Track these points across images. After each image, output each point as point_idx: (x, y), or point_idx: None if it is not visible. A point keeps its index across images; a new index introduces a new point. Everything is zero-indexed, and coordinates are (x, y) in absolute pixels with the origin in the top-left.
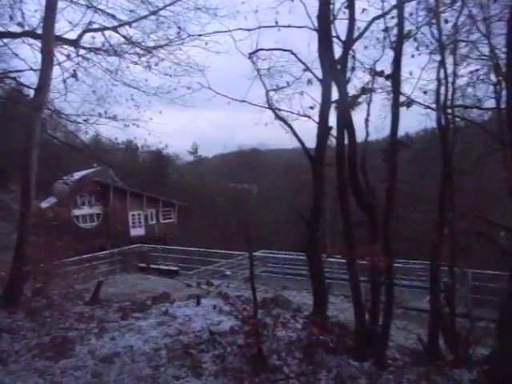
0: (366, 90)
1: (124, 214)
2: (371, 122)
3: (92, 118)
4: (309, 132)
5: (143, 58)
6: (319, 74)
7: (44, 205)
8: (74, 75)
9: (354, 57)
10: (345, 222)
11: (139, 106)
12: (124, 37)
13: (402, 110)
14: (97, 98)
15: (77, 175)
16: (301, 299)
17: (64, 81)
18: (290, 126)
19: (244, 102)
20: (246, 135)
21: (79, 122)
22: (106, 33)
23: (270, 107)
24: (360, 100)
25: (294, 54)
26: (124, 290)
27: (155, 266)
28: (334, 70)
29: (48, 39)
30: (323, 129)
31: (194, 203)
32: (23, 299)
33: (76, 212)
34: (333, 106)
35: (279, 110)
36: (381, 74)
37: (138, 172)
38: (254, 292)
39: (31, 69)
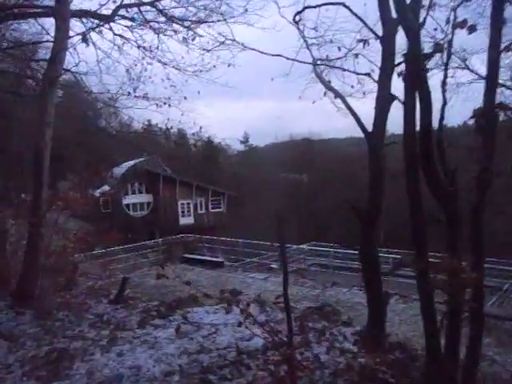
0: (441, 47)
1: (173, 203)
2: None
3: (120, 97)
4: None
5: (180, 33)
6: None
7: (97, 193)
8: (85, 39)
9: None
10: (415, 221)
11: (176, 86)
12: (161, 12)
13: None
14: (130, 77)
15: (127, 164)
16: (351, 297)
17: (98, 61)
18: (341, 96)
19: (293, 60)
20: (296, 125)
21: (109, 105)
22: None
23: (319, 76)
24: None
25: (346, 6)
26: (165, 282)
27: (200, 257)
28: (403, 11)
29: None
30: (383, 97)
31: (244, 193)
32: (37, 297)
33: (126, 201)
34: (396, 71)
35: (333, 67)
36: (462, 24)
37: (188, 161)
38: (289, 312)
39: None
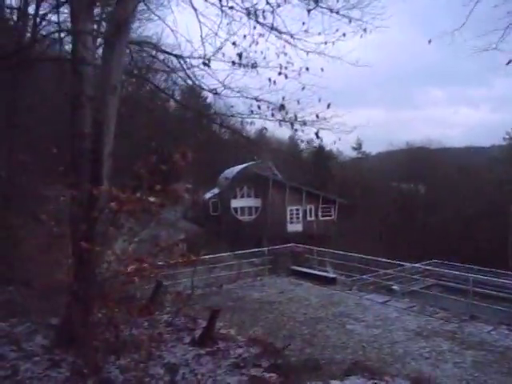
0: None
1: (282, 209)
2: None
3: (216, 62)
4: None
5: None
6: None
7: (208, 195)
8: None
9: None
10: None
11: (293, 64)
12: None
13: None
14: (238, 52)
15: (238, 167)
16: (500, 339)
17: (202, 39)
18: None
19: None
20: (408, 134)
21: (215, 93)
22: None
23: None
24: None
25: None
26: (270, 297)
27: (310, 271)
28: None
29: None
30: None
31: (355, 201)
32: (85, 339)
33: (235, 204)
34: None
35: None
36: None
37: (299, 166)
38: None
39: None
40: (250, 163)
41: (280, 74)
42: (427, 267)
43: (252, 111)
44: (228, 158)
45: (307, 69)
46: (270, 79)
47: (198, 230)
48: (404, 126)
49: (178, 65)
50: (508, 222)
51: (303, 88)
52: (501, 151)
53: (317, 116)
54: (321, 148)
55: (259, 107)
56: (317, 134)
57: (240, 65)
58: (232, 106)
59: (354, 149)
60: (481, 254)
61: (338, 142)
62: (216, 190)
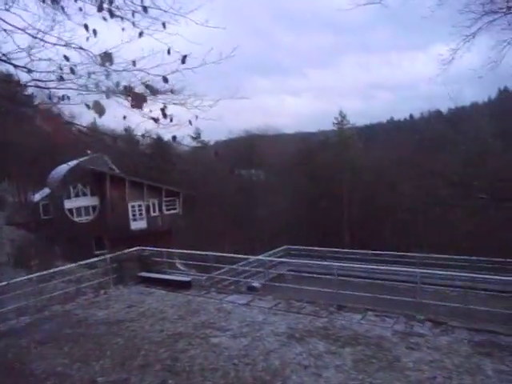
0: None
1: (123, 206)
2: None
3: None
4: None
5: None
6: None
7: (37, 197)
8: None
9: None
10: None
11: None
12: None
13: None
14: None
15: (69, 164)
16: (370, 328)
17: None
18: None
19: None
20: (242, 122)
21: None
22: None
23: None
24: None
25: None
26: (118, 315)
27: (161, 276)
28: None
29: None
30: None
31: (198, 192)
32: None
33: (69, 204)
34: None
35: None
36: None
37: (137, 160)
38: None
39: None
40: (83, 158)
41: (101, 9)
42: (287, 259)
43: (62, 77)
44: (58, 154)
45: (145, 9)
46: (86, 26)
47: (27, 236)
48: (239, 115)
49: None
50: (343, 202)
51: (140, 34)
52: (325, 135)
53: (165, 79)
54: (158, 139)
55: (73, 70)
56: (163, 109)
57: None
58: (30, 71)
59: (194, 138)
60: (321, 234)
61: (195, 121)
62: (46, 191)
